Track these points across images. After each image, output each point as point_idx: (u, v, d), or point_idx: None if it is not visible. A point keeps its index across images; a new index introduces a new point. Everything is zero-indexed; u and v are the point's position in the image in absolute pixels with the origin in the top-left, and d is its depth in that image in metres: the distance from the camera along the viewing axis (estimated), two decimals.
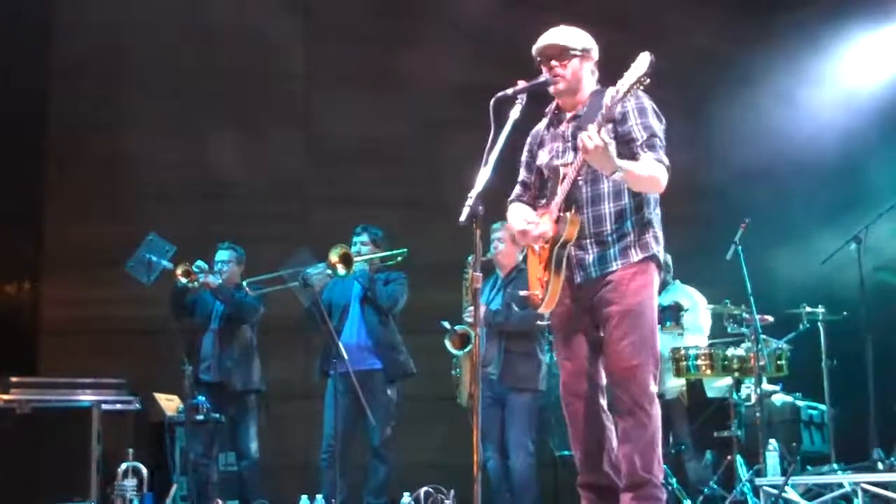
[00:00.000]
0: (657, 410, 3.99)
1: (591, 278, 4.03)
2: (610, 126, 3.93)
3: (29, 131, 8.29)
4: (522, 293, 4.43)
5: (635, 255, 4.01)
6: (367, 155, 8.58)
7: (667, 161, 3.97)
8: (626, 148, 3.98)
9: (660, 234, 4.10)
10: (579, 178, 3.99)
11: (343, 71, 8.68)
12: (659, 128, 4.02)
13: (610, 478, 4.06)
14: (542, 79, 4.04)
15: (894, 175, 7.43)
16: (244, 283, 6.62)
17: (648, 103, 4.04)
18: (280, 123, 8.68)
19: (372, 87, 8.63)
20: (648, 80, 3.72)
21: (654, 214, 4.10)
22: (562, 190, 3.98)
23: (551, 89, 4.08)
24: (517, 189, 4.32)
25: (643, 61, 3.72)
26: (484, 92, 3.88)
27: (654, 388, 3.98)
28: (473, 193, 3.65)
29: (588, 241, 4.03)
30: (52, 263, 8.36)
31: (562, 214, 3.99)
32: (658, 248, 4.07)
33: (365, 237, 6.55)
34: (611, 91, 3.84)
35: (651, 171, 3.93)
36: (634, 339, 3.94)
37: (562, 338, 4.15)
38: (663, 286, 7.24)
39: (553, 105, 4.21)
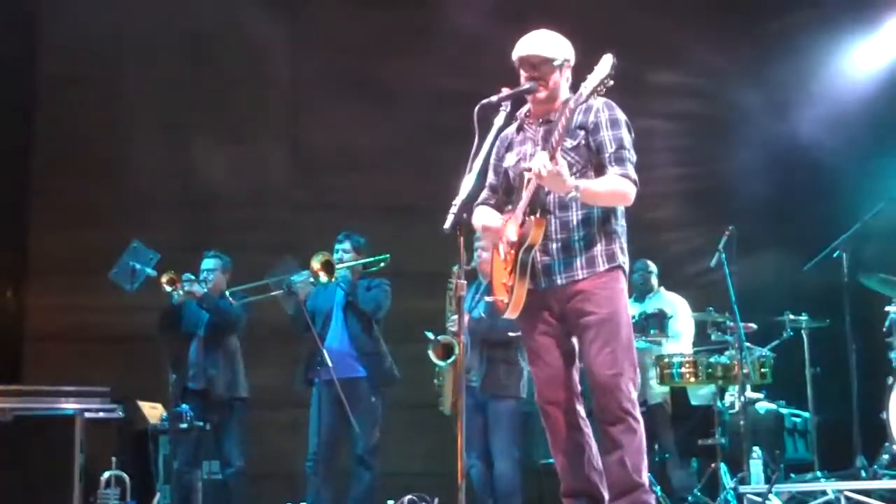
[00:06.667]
0: (640, 416, 4.00)
1: (555, 285, 4.00)
2: (582, 133, 3.97)
3: (14, 138, 8.26)
4: (488, 299, 4.42)
5: (601, 265, 3.99)
6: (353, 163, 8.57)
7: (634, 175, 3.96)
8: (597, 157, 3.99)
9: (625, 246, 4.07)
10: None
11: (329, 79, 8.68)
12: (629, 141, 4.02)
13: (594, 484, 4.03)
14: (525, 86, 4.03)
15: (878, 182, 7.45)
16: (227, 293, 6.59)
17: (621, 116, 4.04)
18: (266, 131, 8.67)
19: (358, 95, 8.61)
20: (612, 83, 3.73)
21: (620, 226, 4.08)
22: (527, 194, 3.94)
23: (530, 96, 4.08)
24: (484, 193, 4.26)
25: (606, 63, 3.74)
26: (470, 100, 3.89)
27: (635, 395, 3.99)
28: (458, 201, 3.66)
29: (554, 245, 3.99)
30: (36, 271, 8.33)
31: (527, 218, 3.94)
32: (624, 260, 4.05)
33: (347, 244, 6.54)
34: (575, 96, 3.84)
35: (612, 187, 3.94)
36: (615, 347, 3.93)
37: (533, 346, 4.11)
38: (647, 293, 7.27)
39: (525, 109, 4.19)
